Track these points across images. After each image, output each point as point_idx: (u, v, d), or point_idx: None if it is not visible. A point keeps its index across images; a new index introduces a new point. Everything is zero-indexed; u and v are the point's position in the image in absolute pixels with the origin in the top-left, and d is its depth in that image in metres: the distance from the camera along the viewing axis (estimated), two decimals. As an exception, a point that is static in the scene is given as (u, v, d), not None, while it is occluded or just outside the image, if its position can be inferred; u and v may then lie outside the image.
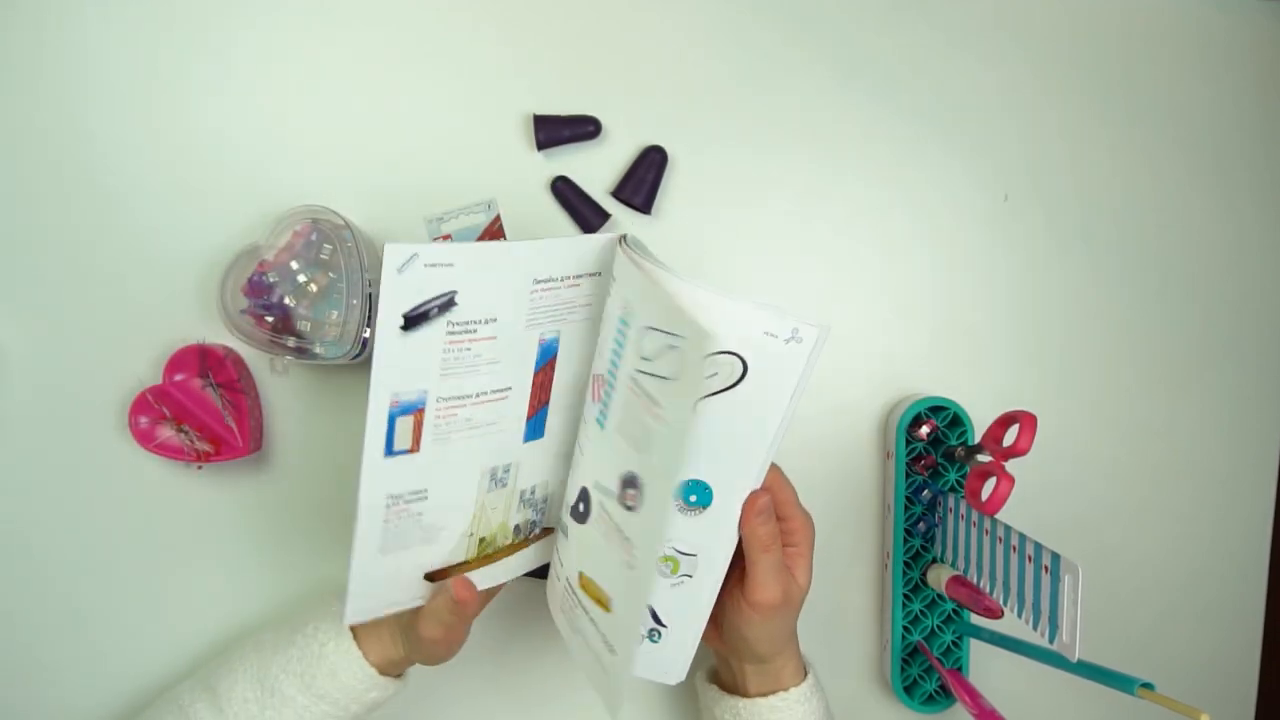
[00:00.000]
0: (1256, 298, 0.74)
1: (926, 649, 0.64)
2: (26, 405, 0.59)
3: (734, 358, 0.41)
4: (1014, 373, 0.70)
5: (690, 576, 0.47)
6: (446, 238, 0.60)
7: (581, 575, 0.48)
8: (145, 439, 0.56)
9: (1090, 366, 0.71)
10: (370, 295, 0.55)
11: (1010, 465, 0.56)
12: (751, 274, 0.67)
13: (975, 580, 0.59)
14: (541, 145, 0.63)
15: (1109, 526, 0.71)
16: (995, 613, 0.57)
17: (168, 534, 0.60)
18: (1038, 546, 0.51)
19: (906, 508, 0.65)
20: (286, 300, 0.56)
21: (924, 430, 0.64)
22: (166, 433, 0.57)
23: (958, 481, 0.65)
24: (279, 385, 0.61)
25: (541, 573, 0.55)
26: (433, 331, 0.42)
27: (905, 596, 0.65)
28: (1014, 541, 0.53)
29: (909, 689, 0.65)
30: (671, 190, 0.66)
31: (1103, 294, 0.72)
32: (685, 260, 0.58)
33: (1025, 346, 0.71)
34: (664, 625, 0.48)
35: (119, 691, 0.60)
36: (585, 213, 0.63)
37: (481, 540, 0.51)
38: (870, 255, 0.69)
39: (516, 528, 0.52)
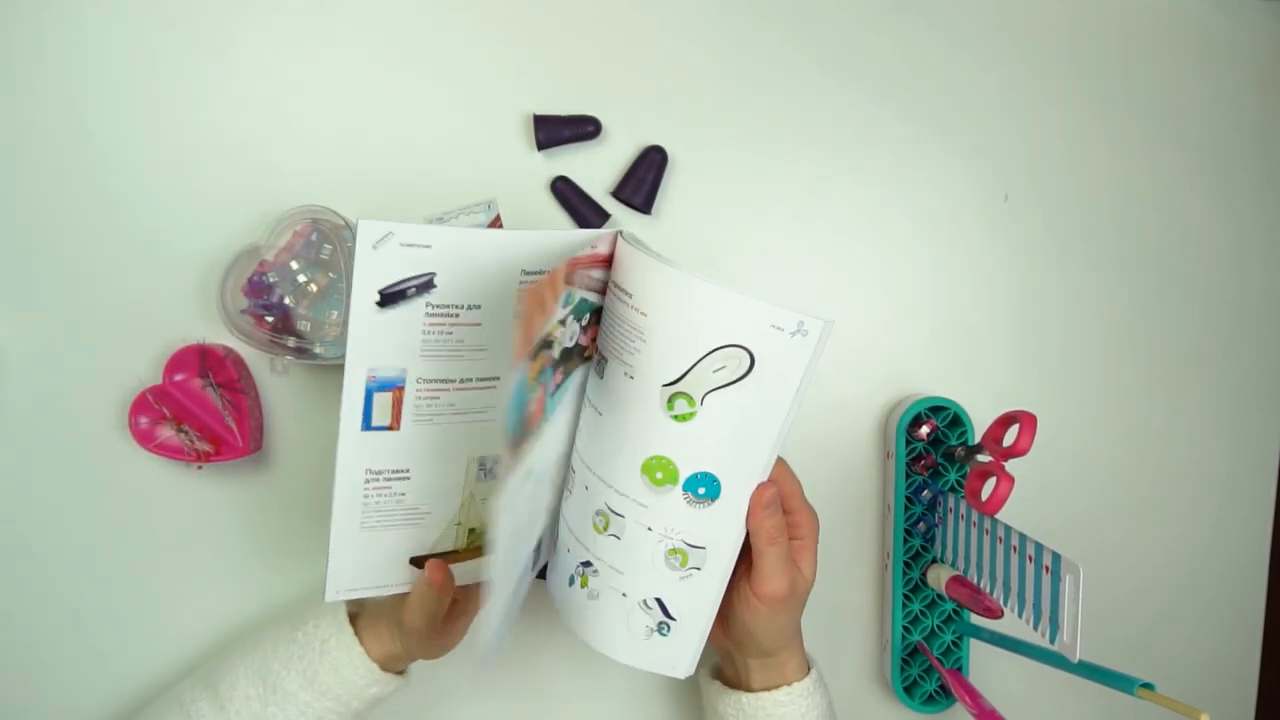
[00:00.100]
0: (1256, 298, 0.74)
1: (926, 649, 0.64)
2: (26, 405, 0.59)
3: (741, 350, 0.42)
4: (1014, 373, 0.70)
5: (699, 569, 0.47)
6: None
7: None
8: (145, 439, 0.56)
9: (1090, 366, 0.71)
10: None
11: (1010, 465, 0.56)
12: (752, 274, 0.67)
13: (975, 580, 0.59)
14: (541, 145, 0.63)
15: (1109, 526, 0.71)
16: (995, 613, 0.57)
17: (168, 534, 0.60)
18: (1038, 546, 0.51)
19: (906, 508, 0.65)
20: (286, 300, 0.56)
21: (924, 430, 0.64)
22: (166, 433, 0.57)
23: (958, 481, 0.65)
24: (279, 385, 0.61)
25: (541, 572, 0.55)
26: (411, 311, 0.43)
27: (905, 596, 0.65)
28: (1014, 541, 0.53)
29: (909, 689, 0.65)
30: (671, 190, 0.66)
31: (1103, 294, 0.72)
32: (685, 260, 0.57)
33: (1025, 346, 0.71)
34: (673, 619, 0.48)
35: (119, 691, 0.60)
36: (585, 213, 0.63)
37: (471, 531, 0.51)
38: (870, 255, 0.69)
39: None
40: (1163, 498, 0.73)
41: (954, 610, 0.66)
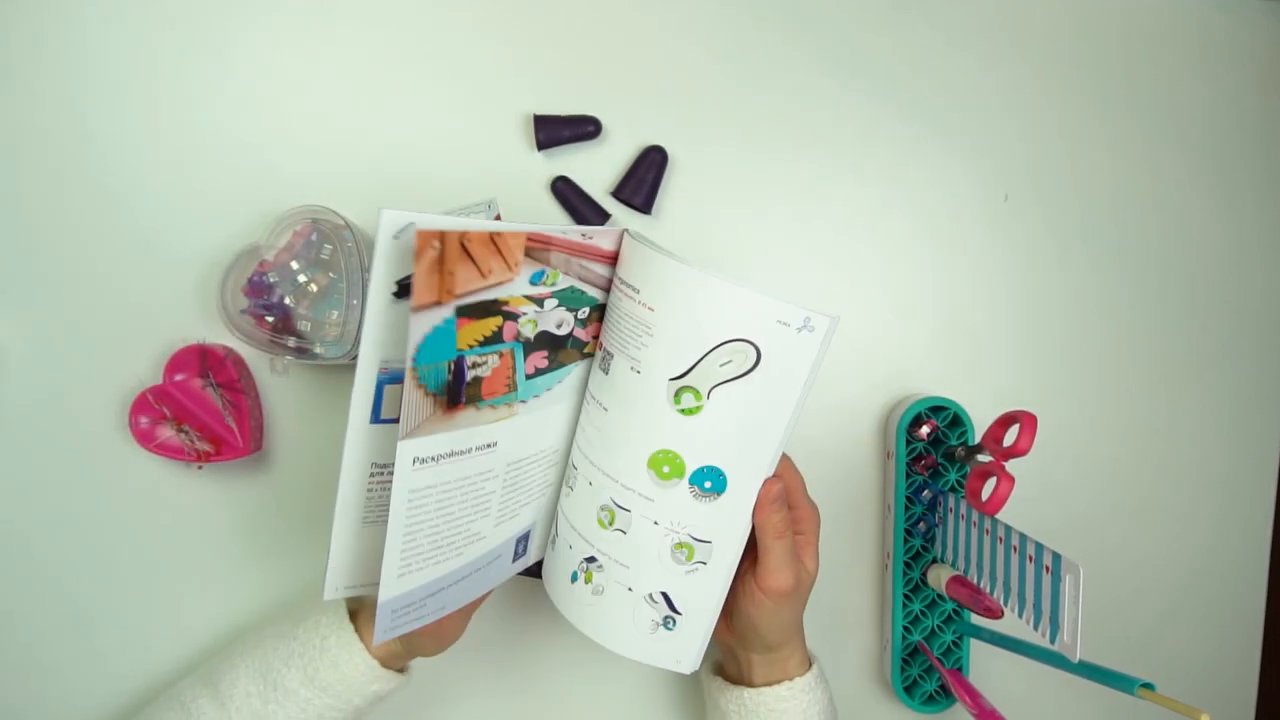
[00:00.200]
0: (1256, 298, 0.74)
1: (926, 649, 0.64)
2: (26, 405, 0.59)
3: (748, 345, 0.42)
4: (1014, 373, 0.70)
5: (705, 563, 0.47)
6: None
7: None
8: (145, 439, 0.56)
9: (1090, 366, 0.71)
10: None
11: (1010, 465, 0.56)
12: (752, 274, 0.67)
13: (975, 580, 0.59)
14: (541, 145, 0.63)
15: (1109, 526, 0.71)
16: (995, 613, 0.57)
17: (168, 534, 0.60)
18: (1038, 546, 0.51)
19: (906, 508, 0.65)
20: (286, 300, 0.56)
21: (924, 430, 0.64)
22: (166, 433, 0.57)
23: (958, 481, 0.65)
24: (279, 385, 0.61)
25: (537, 571, 0.55)
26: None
27: (905, 596, 0.65)
28: (1014, 541, 0.53)
29: (909, 689, 0.65)
30: (671, 190, 0.66)
31: (1103, 294, 0.72)
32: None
33: (1025, 346, 0.71)
34: (679, 613, 0.48)
35: (119, 691, 0.60)
36: (585, 212, 0.63)
37: None
38: (870, 255, 0.69)
39: None
40: (1163, 498, 0.73)
41: (954, 610, 0.66)
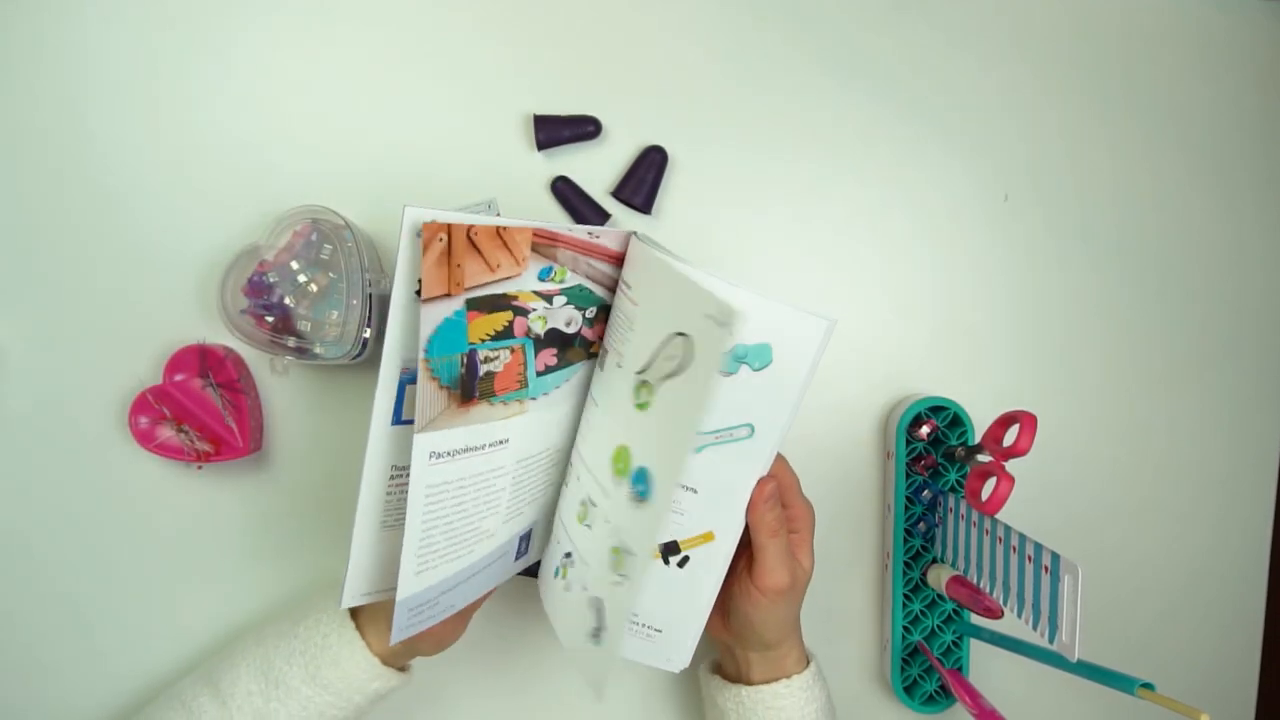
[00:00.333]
0: (1256, 298, 0.74)
1: (926, 649, 0.64)
2: (26, 406, 0.59)
3: (685, 339, 0.41)
4: (1014, 373, 0.70)
5: (626, 577, 0.45)
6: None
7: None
8: (145, 439, 0.56)
9: (1090, 366, 0.71)
10: (370, 295, 0.55)
11: (1010, 465, 0.56)
12: (752, 274, 0.67)
13: (975, 580, 0.59)
14: (541, 145, 0.63)
15: (1109, 526, 0.71)
16: (995, 613, 0.57)
17: (168, 534, 0.60)
18: (1038, 546, 0.51)
19: (906, 508, 0.65)
20: (286, 300, 0.56)
21: (924, 430, 0.64)
22: (166, 433, 0.57)
23: (958, 481, 0.65)
24: (279, 385, 0.61)
25: (536, 570, 0.55)
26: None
27: (905, 596, 0.65)
28: (1014, 541, 0.53)
29: (909, 689, 0.65)
30: (671, 190, 0.66)
31: (1103, 294, 0.72)
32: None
33: (1025, 346, 0.71)
34: (605, 629, 0.46)
35: (119, 691, 0.60)
36: (585, 213, 0.63)
37: None
38: (870, 255, 0.69)
39: None
40: (1163, 498, 0.73)
41: (954, 610, 0.66)
